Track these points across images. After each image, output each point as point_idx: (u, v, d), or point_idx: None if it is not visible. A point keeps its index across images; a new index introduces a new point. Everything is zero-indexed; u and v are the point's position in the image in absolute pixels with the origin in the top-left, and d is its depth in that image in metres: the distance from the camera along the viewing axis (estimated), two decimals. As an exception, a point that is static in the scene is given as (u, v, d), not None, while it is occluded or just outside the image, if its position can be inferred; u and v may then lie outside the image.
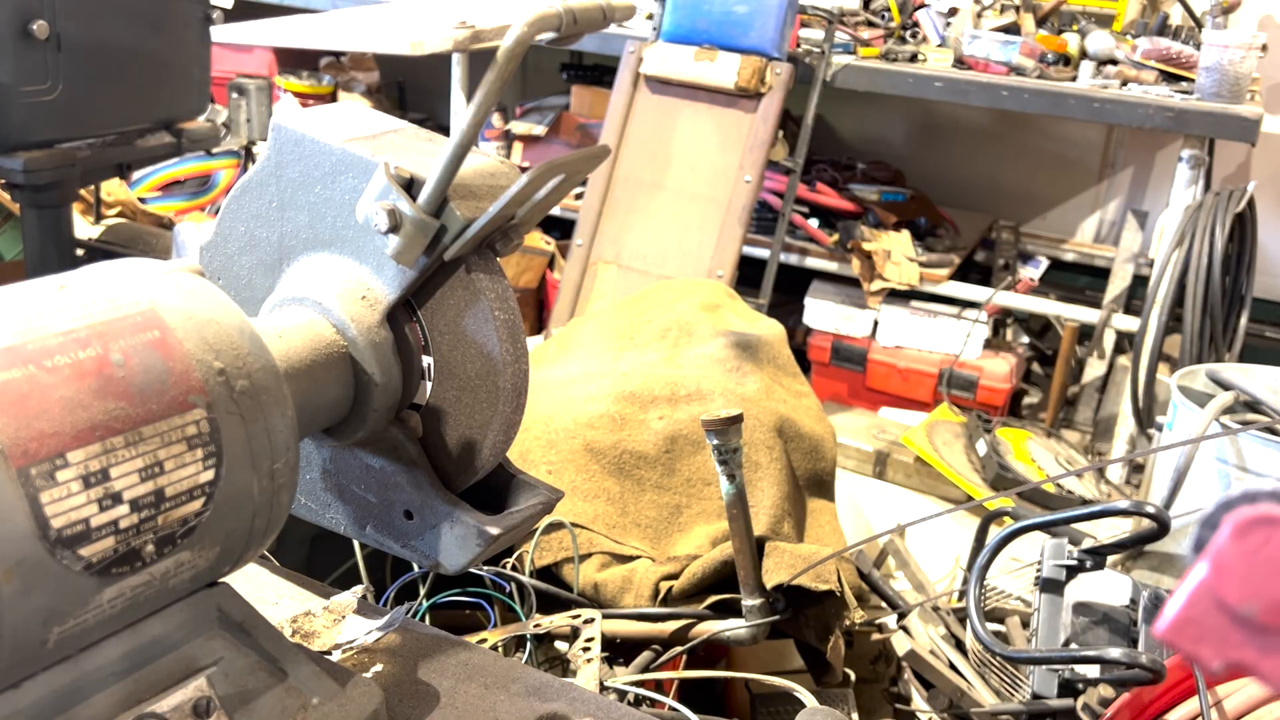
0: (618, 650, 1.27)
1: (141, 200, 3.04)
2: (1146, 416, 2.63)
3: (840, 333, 3.09)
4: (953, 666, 1.40)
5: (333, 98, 3.77)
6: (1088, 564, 1.29)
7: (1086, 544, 1.34)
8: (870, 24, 3.04)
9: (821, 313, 3.10)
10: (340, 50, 3.84)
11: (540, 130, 3.45)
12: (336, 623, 0.78)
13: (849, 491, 2.22)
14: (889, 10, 3.09)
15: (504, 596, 1.24)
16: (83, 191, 2.57)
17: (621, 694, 1.10)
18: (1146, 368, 2.59)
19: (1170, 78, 2.78)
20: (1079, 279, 3.56)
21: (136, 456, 0.52)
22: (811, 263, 3.12)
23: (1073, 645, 1.21)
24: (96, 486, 0.50)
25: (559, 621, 1.20)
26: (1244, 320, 2.62)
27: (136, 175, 3.07)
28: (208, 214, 3.11)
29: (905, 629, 1.47)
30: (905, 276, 2.97)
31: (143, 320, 0.54)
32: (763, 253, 2.95)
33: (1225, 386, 1.88)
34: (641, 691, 1.10)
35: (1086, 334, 3.13)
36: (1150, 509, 1.22)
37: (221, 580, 0.62)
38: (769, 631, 1.27)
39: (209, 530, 0.56)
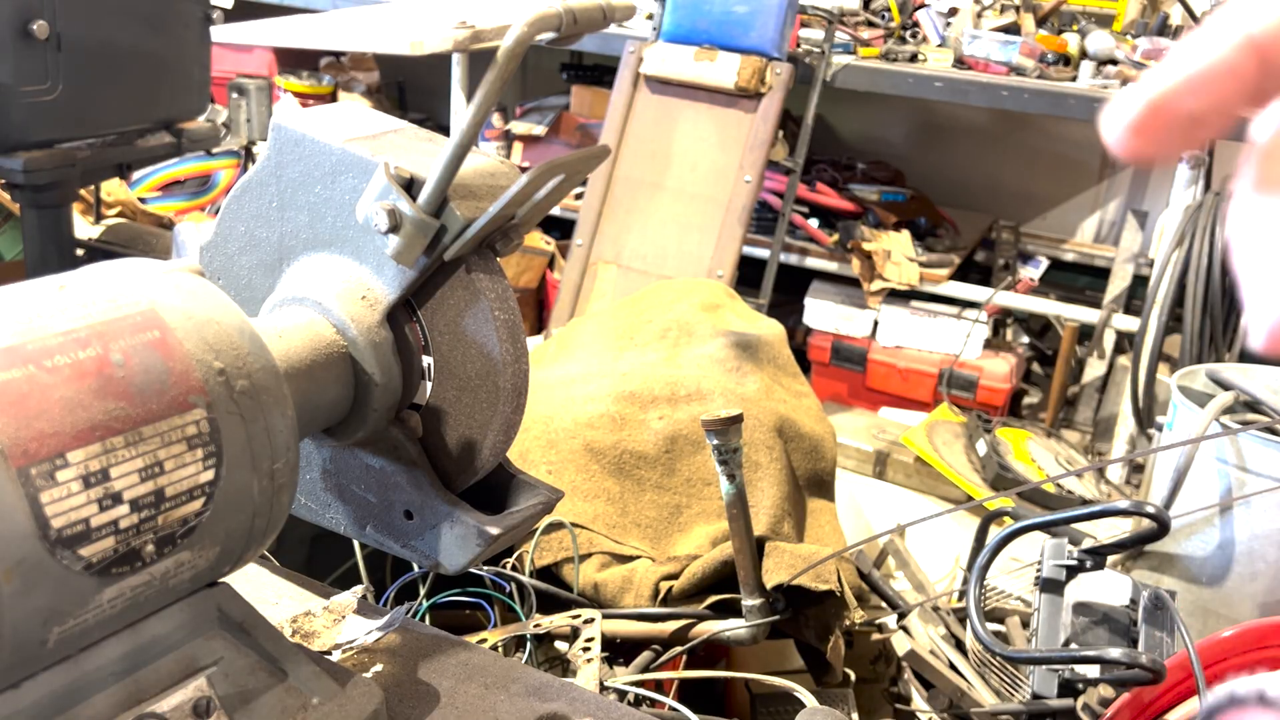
0: (618, 650, 1.27)
1: (141, 200, 3.04)
2: (1146, 416, 2.63)
3: (840, 333, 3.09)
4: (953, 666, 1.40)
5: (333, 98, 3.77)
6: (1088, 564, 1.29)
7: (1086, 544, 1.34)
8: (870, 24, 3.04)
9: (821, 313, 3.10)
10: (340, 50, 3.84)
11: (540, 130, 3.45)
12: (336, 623, 0.78)
13: (849, 491, 2.22)
14: (889, 10, 3.09)
15: (504, 596, 1.24)
16: (83, 191, 2.57)
17: (621, 694, 1.10)
18: (1146, 368, 2.59)
19: (1170, 78, 2.77)
20: (1079, 279, 3.56)
21: (136, 456, 0.52)
22: (811, 263, 3.12)
23: (1073, 645, 1.21)
24: (96, 486, 0.50)
25: (559, 621, 1.19)
26: (1244, 320, 2.61)
27: (136, 175, 3.07)
28: (208, 214, 3.11)
29: (905, 629, 1.47)
30: (905, 276, 2.97)
31: (143, 320, 0.54)
32: (763, 253, 2.95)
33: (1225, 386, 1.88)
34: (641, 691, 1.10)
35: (1086, 334, 3.13)
36: (1150, 509, 1.22)
37: (221, 580, 0.62)
38: (769, 631, 1.27)
39: (209, 530, 0.56)
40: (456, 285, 0.68)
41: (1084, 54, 2.94)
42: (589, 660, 1.11)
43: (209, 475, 0.55)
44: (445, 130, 3.08)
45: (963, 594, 1.62)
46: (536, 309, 3.31)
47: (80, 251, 2.03)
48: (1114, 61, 2.87)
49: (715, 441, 1.18)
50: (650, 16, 2.89)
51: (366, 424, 0.70)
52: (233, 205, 0.73)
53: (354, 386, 0.69)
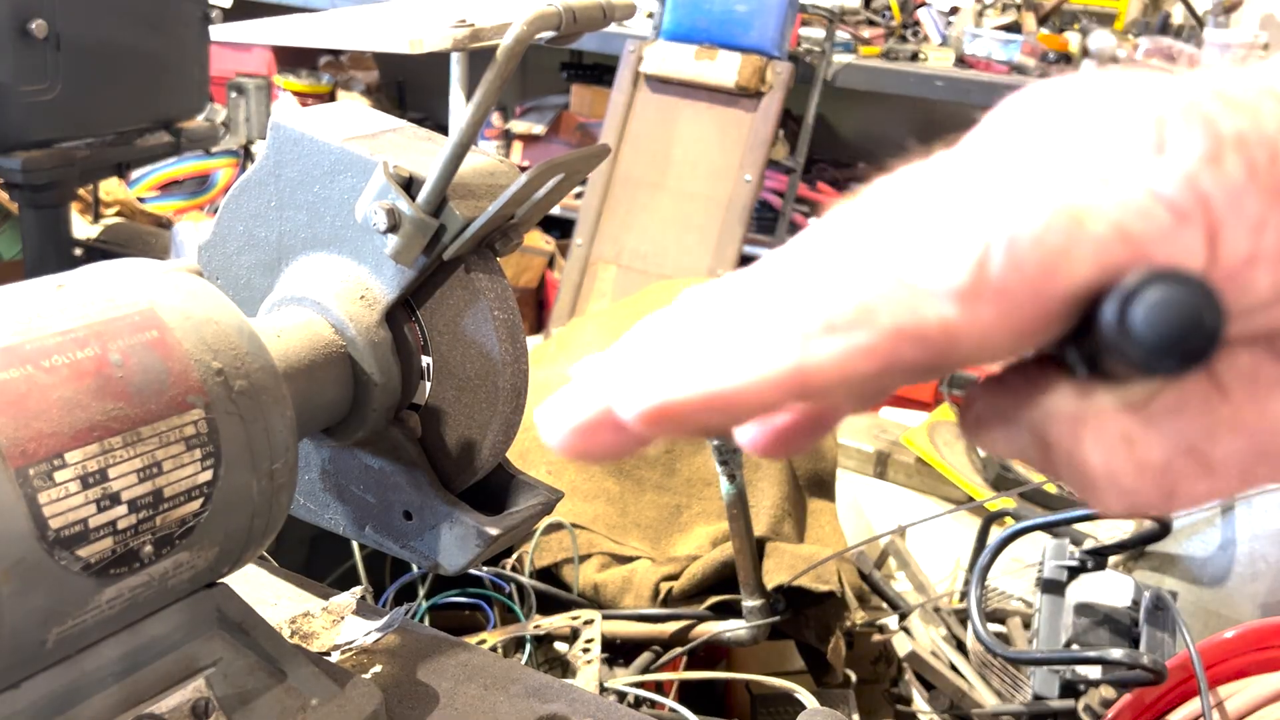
0: (618, 651, 1.27)
1: (140, 200, 3.04)
2: (1147, 416, 2.62)
3: (841, 332, 3.08)
4: (954, 667, 1.39)
5: (332, 97, 3.77)
6: (1089, 564, 1.28)
7: (1088, 544, 1.34)
8: (871, 22, 3.04)
9: (822, 312, 3.09)
10: (339, 49, 3.84)
11: (540, 129, 3.45)
12: (335, 624, 0.78)
13: (850, 492, 2.21)
14: (890, 9, 3.08)
15: (503, 597, 1.24)
16: (81, 191, 2.56)
17: (621, 695, 1.10)
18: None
19: (1171, 77, 2.78)
20: (1080, 278, 3.55)
21: (135, 457, 0.51)
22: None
23: (1074, 646, 1.21)
24: (95, 487, 0.50)
25: (559, 622, 1.19)
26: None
27: (135, 175, 3.07)
28: (206, 213, 3.11)
29: (906, 630, 1.46)
30: (906, 276, 2.97)
31: (141, 320, 0.54)
32: (763, 252, 2.94)
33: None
34: (642, 692, 1.10)
35: (1087, 333, 3.12)
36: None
37: (220, 581, 0.62)
38: (769, 632, 1.27)
39: (208, 531, 0.56)
40: (456, 285, 0.68)
41: (1085, 53, 2.94)
42: (589, 661, 1.10)
43: (207, 476, 0.55)
44: (444, 129, 3.08)
45: (964, 595, 1.62)
46: (536, 309, 3.31)
47: (79, 251, 2.03)
48: (1115, 60, 2.87)
49: (715, 442, 1.17)
50: (650, 15, 2.89)
51: (365, 424, 0.70)
52: (231, 205, 0.73)
53: (353, 386, 0.69)
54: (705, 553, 1.33)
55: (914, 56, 2.90)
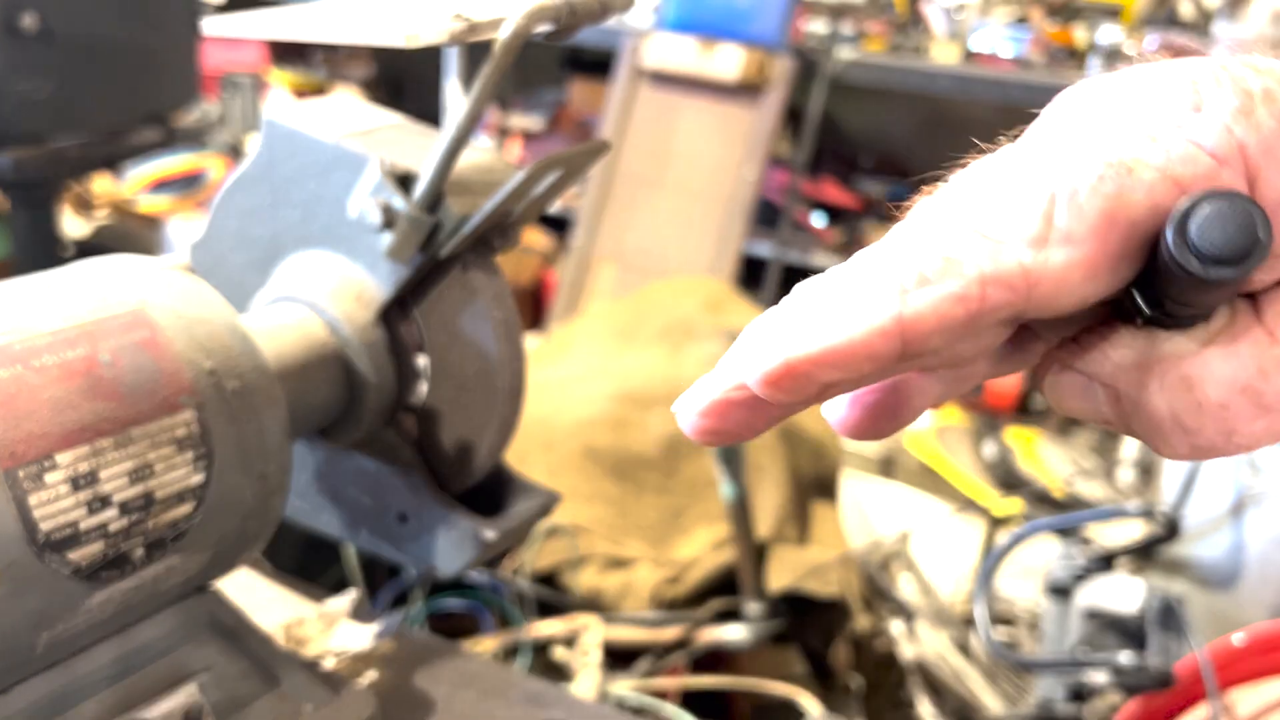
0: (617, 656, 1.26)
1: (131, 198, 3.03)
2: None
3: (843, 332, 3.07)
4: (960, 672, 1.39)
5: (325, 91, 3.76)
6: (1097, 568, 1.28)
7: (1096, 548, 1.33)
8: (875, 16, 3.03)
9: (824, 311, 3.09)
10: (333, 43, 3.83)
11: (538, 125, 3.44)
12: (329, 629, 0.77)
13: (854, 494, 2.20)
14: (894, 3, 3.07)
15: (501, 601, 1.23)
16: (73, 188, 2.56)
17: (621, 700, 1.09)
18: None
19: (1177, 74, 2.77)
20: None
21: (126, 459, 0.51)
22: (815, 260, 3.10)
23: (1082, 650, 1.20)
24: (85, 489, 0.49)
25: (557, 627, 1.18)
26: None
27: (126, 172, 3.06)
28: (198, 210, 3.09)
29: (912, 634, 1.45)
30: (908, 275, 2.96)
31: (132, 319, 0.53)
32: (765, 250, 2.93)
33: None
34: (641, 697, 1.09)
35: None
36: (1160, 512, 1.21)
37: (213, 585, 0.61)
38: (772, 637, 1.26)
39: (200, 534, 0.55)
40: (452, 283, 0.67)
41: (1092, 47, 2.93)
42: (588, 666, 1.09)
43: (199, 478, 0.54)
44: (440, 124, 3.07)
45: (970, 599, 1.61)
46: (534, 307, 3.30)
47: (69, 250, 2.02)
48: (1122, 54, 2.86)
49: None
50: (651, 8, 2.88)
51: (361, 425, 0.69)
52: (224, 202, 0.72)
53: (348, 387, 0.68)
54: (706, 555, 1.32)
55: (919, 50, 2.89)
